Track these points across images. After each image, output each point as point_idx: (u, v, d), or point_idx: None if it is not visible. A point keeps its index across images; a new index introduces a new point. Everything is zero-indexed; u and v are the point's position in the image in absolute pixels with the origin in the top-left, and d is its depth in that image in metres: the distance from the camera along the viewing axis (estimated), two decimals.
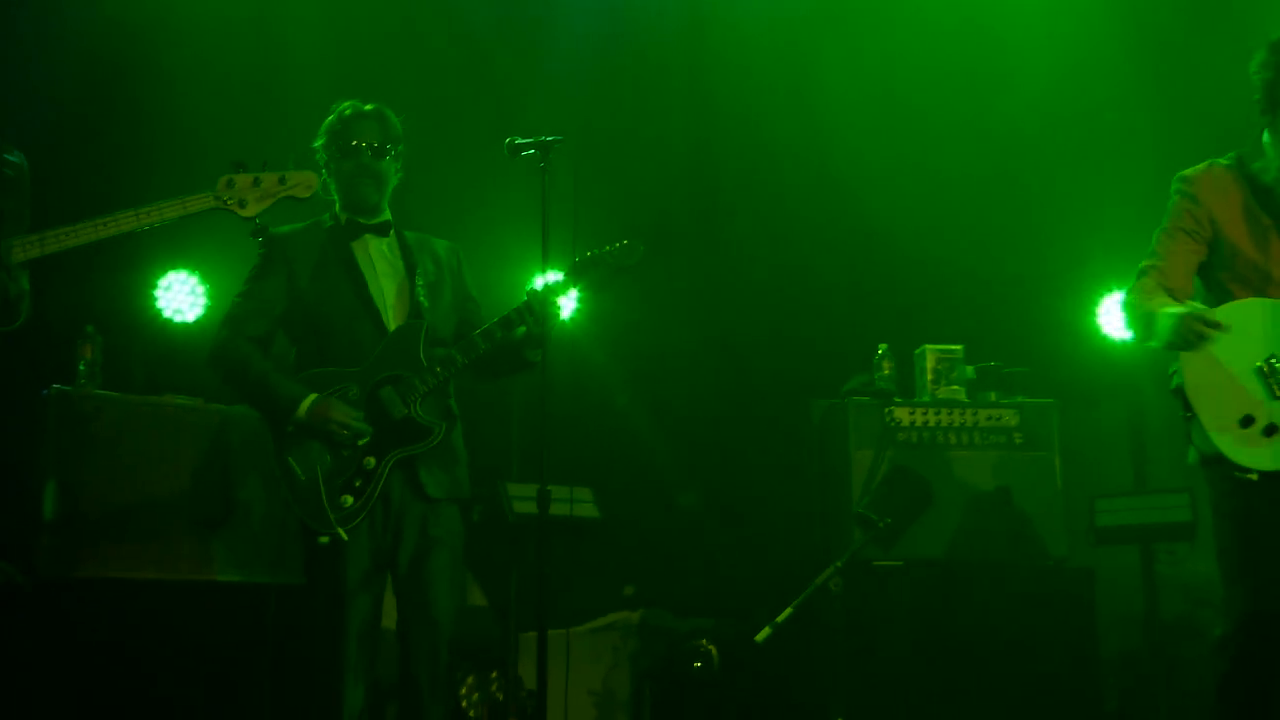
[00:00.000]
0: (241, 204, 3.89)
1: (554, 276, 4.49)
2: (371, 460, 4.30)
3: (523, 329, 4.41)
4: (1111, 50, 7.57)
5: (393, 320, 4.47)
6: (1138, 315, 4.16)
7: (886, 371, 6.32)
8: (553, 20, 8.01)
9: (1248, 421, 3.97)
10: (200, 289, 6.97)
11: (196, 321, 6.91)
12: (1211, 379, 4.03)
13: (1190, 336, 3.94)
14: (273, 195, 3.93)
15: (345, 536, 4.22)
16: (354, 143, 4.53)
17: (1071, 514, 6.17)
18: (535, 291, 4.42)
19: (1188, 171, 4.29)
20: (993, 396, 6.30)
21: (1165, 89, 7.26)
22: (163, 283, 6.91)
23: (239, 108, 7.13)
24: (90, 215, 3.72)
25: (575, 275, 4.51)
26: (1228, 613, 4.05)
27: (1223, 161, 4.28)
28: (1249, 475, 3.96)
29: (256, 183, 3.91)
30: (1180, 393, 4.11)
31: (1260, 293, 4.10)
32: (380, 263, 4.57)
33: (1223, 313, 4.06)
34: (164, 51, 7.07)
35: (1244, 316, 4.06)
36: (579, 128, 6.99)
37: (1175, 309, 3.99)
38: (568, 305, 7.04)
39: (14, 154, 3.92)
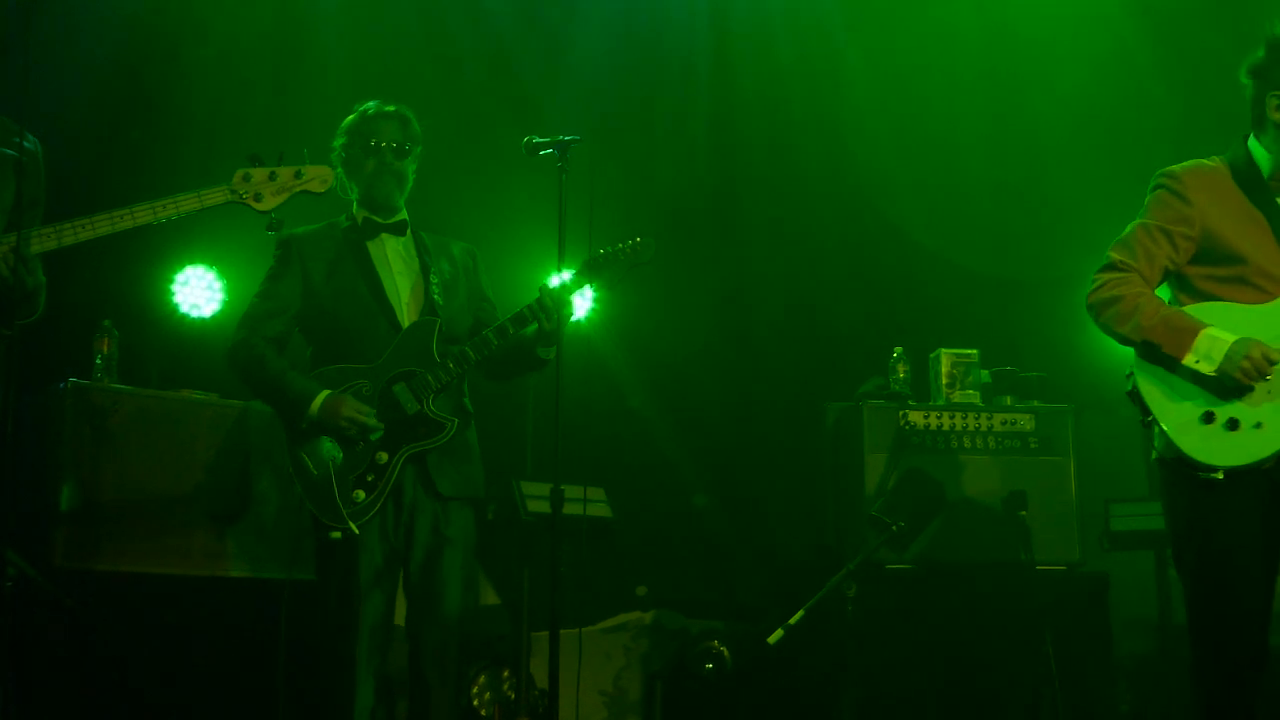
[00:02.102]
0: (257, 198, 3.90)
1: (568, 274, 4.50)
2: (384, 455, 4.32)
3: (534, 326, 4.42)
4: (1134, 54, 7.55)
5: (407, 318, 4.50)
6: (1139, 308, 3.95)
7: (901, 375, 6.31)
8: (573, 20, 8.02)
9: (1209, 418, 3.88)
10: (217, 284, 6.98)
11: (213, 317, 6.91)
12: (1169, 379, 3.93)
13: (1253, 372, 3.81)
14: (289, 190, 3.93)
15: (356, 531, 4.24)
16: (376, 142, 4.55)
17: (1086, 518, 6.15)
18: (548, 288, 4.43)
19: (1175, 168, 4.11)
20: (1008, 401, 6.29)
21: (1188, 93, 7.23)
22: (180, 277, 6.92)
23: (260, 105, 7.15)
24: (109, 208, 3.73)
25: (588, 272, 4.52)
26: (1200, 628, 3.93)
27: (1209, 162, 4.12)
28: (1214, 475, 3.84)
29: (272, 177, 3.92)
30: (1136, 396, 3.99)
31: (1269, 296, 3.95)
32: (396, 261, 4.59)
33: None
34: (185, 48, 7.10)
35: (1212, 318, 3.94)
36: (598, 128, 7.01)
37: (1222, 333, 3.86)
38: (583, 304, 7.04)
39: (28, 139, 3.93)
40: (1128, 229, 4.13)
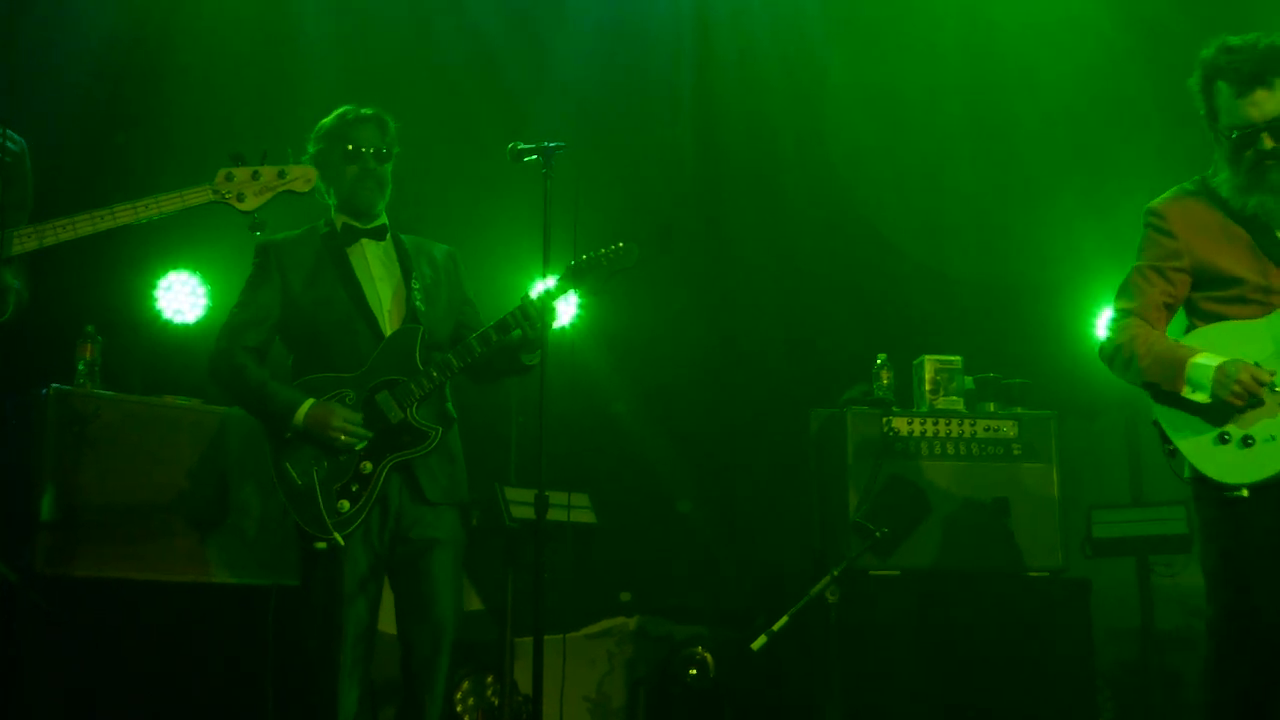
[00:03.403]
0: (240, 198, 3.87)
1: (551, 280, 4.49)
2: (368, 465, 4.30)
3: (518, 332, 4.41)
4: (1120, 63, 7.57)
5: (389, 325, 4.47)
6: (1134, 353, 4.10)
7: (885, 381, 6.32)
8: (560, 28, 8.01)
9: (1224, 439, 3.98)
10: (201, 290, 6.96)
11: (197, 322, 6.89)
12: (1182, 408, 4.04)
13: (1244, 395, 3.90)
14: (272, 189, 3.91)
15: (342, 542, 4.22)
16: (356, 148, 4.53)
17: (1068, 525, 6.16)
18: (531, 295, 4.43)
19: (1156, 203, 4.26)
20: (991, 407, 6.30)
21: (1172, 99, 7.24)
22: (163, 283, 6.89)
23: (245, 109, 7.13)
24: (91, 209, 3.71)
25: (572, 278, 4.51)
26: (1221, 634, 3.99)
27: (1190, 186, 4.25)
28: (1239, 492, 3.94)
29: (255, 176, 3.89)
30: (1158, 426, 4.13)
31: (1267, 309, 4.04)
32: (377, 267, 4.56)
33: (1191, 340, 4.12)
34: (170, 53, 7.08)
35: (1211, 340, 4.07)
36: (584, 135, 7.01)
37: (1208, 359, 3.97)
38: (568, 310, 7.04)
39: (13, 139, 3.91)
40: (1126, 274, 4.27)
